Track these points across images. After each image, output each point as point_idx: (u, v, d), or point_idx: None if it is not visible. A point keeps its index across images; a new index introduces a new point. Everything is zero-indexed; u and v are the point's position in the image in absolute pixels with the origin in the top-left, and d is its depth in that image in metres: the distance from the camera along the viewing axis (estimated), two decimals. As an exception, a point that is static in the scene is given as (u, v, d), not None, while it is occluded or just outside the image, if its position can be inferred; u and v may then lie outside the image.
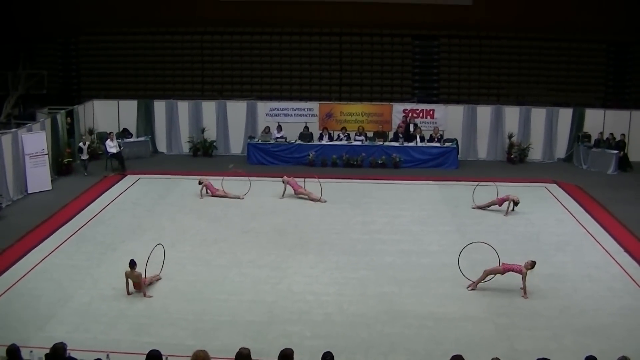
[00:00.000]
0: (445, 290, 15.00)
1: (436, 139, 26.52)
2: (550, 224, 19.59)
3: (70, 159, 24.56)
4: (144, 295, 14.53)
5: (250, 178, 22.44)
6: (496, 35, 30.04)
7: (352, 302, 14.45)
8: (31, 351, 10.49)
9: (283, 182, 21.85)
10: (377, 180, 23.95)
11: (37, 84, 30.30)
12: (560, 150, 27.79)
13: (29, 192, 22.17)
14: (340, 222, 19.57)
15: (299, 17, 30.03)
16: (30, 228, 18.65)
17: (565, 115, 27.57)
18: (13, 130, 22.86)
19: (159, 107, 28.40)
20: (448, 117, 27.85)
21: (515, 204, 20.31)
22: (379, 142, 26.52)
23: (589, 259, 16.97)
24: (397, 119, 27.87)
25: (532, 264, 14.82)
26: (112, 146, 25.14)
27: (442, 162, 26.09)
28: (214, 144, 28.02)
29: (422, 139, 26.50)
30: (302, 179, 22.03)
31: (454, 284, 15.25)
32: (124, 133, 27.65)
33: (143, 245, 17.23)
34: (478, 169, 25.73)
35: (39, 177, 22.51)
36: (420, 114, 27.91)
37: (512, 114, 27.76)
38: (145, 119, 28.33)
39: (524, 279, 14.69)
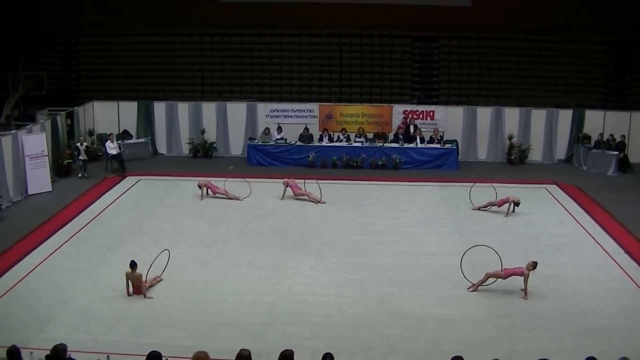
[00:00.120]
0: (445, 292, 14.99)
1: (436, 140, 26.53)
2: (550, 225, 19.59)
3: (71, 160, 24.57)
4: (144, 296, 14.52)
5: (250, 181, 22.43)
6: (496, 36, 30.06)
7: (352, 303, 14.44)
8: (31, 352, 10.49)
9: (284, 184, 21.85)
10: (377, 182, 23.95)
11: (37, 85, 30.29)
12: (560, 152, 27.81)
13: (29, 193, 22.17)
14: (340, 224, 19.57)
15: (298, 18, 30.05)
16: (30, 229, 18.64)
17: (565, 116, 27.59)
18: (13, 131, 22.84)
19: (159, 108, 28.42)
20: (448, 119, 27.86)
21: (516, 204, 20.32)
22: (379, 144, 26.53)
23: (589, 260, 16.96)
24: (397, 120, 27.88)
25: (534, 265, 14.81)
26: (112, 147, 25.13)
27: (442, 163, 26.10)
28: (214, 145, 28.03)
29: (422, 140, 26.51)
30: (302, 181, 22.02)
31: (454, 285, 15.24)
32: (124, 134, 27.66)
33: (143, 247, 17.30)
34: (478, 170, 25.73)
35: (39, 178, 22.51)
36: (420, 115, 27.92)
37: (512, 115, 27.79)
38: (145, 120, 28.34)
39: (526, 280, 14.68)
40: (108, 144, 25.23)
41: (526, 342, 12.69)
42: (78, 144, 24.47)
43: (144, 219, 19.95)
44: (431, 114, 28.02)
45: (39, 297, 14.42)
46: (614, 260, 16.90)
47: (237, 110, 28.29)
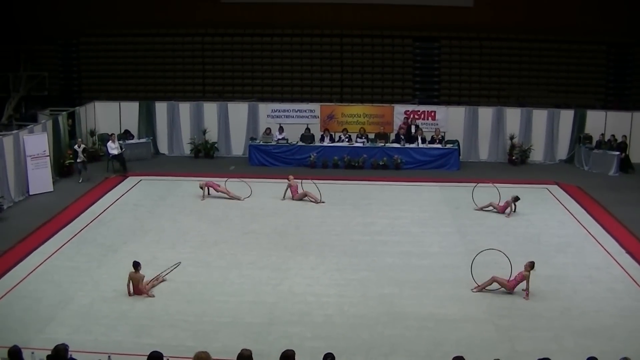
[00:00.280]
0: (445, 292, 14.99)
1: (437, 141, 26.52)
2: (552, 225, 19.58)
3: (72, 161, 24.50)
4: (147, 294, 14.54)
5: (251, 181, 22.44)
6: (497, 36, 30.05)
7: (353, 303, 14.45)
8: (32, 352, 10.49)
9: (289, 179, 21.77)
10: (378, 182, 23.95)
11: (38, 86, 30.32)
12: (562, 152, 27.80)
13: (31, 193, 22.19)
14: (341, 224, 19.58)
15: (299, 18, 30.05)
16: (31, 230, 18.65)
17: (566, 116, 27.57)
18: (14, 131, 22.88)
19: (161, 108, 28.42)
20: (449, 119, 27.85)
21: (515, 200, 20.28)
22: (380, 144, 26.52)
23: (590, 260, 16.96)
24: (398, 120, 27.87)
25: (532, 265, 14.83)
26: (113, 148, 25.13)
27: (444, 163, 26.10)
28: (216, 145, 28.04)
29: (424, 140, 26.50)
30: (299, 181, 21.99)
31: (455, 286, 15.25)
32: (126, 134, 27.67)
33: (144, 247, 17.34)
34: (479, 170, 25.72)
35: (41, 178, 22.52)
36: (422, 116, 27.91)
37: (513, 116, 27.77)
38: (147, 120, 28.35)
39: (527, 281, 14.70)
40: (109, 144, 25.23)
41: (527, 342, 12.69)
42: (76, 147, 24.23)
43: (145, 219, 19.96)
44: (432, 114, 28.01)
45: (40, 298, 14.44)
46: (615, 260, 16.89)
47: (238, 111, 28.30)
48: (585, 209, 20.98)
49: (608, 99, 29.83)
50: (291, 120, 28.06)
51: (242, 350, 9.42)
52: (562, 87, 29.72)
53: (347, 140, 26.82)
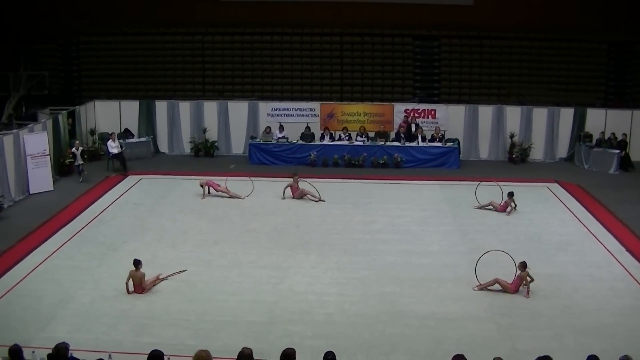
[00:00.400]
0: (446, 290, 14.99)
1: (437, 139, 26.53)
2: (552, 224, 19.57)
3: (72, 160, 24.48)
4: (149, 284, 14.69)
5: (252, 179, 22.43)
6: (497, 35, 30.02)
7: (354, 302, 14.45)
8: (33, 351, 10.49)
9: (294, 178, 21.78)
10: (378, 181, 23.95)
11: (38, 85, 30.33)
12: (562, 150, 27.79)
13: (31, 192, 22.19)
14: (342, 222, 19.57)
15: (299, 17, 30.04)
16: (31, 229, 18.65)
17: (566, 115, 27.57)
18: (15, 131, 22.87)
19: (161, 107, 28.42)
20: (449, 117, 27.85)
21: (510, 196, 20.27)
22: (380, 142, 26.52)
23: (590, 258, 16.95)
24: (398, 119, 27.87)
25: (523, 265, 14.82)
26: (113, 147, 25.12)
27: (444, 162, 26.09)
28: (216, 144, 28.04)
29: (424, 139, 26.51)
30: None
31: (455, 284, 15.25)
32: (126, 133, 27.67)
33: (144, 246, 17.35)
34: (479, 169, 25.73)
35: (41, 177, 22.52)
36: (422, 114, 27.92)
37: (513, 114, 27.76)
38: (147, 119, 28.35)
39: (526, 281, 14.70)
40: (110, 143, 25.22)
41: (527, 341, 12.69)
42: (74, 149, 24.02)
43: (146, 218, 19.96)
44: (432, 112, 28.01)
45: (40, 297, 14.44)
46: (616, 259, 16.88)
47: (238, 109, 28.30)
48: (585, 208, 20.97)
49: (608, 98, 29.82)
50: (291, 118, 28.06)
51: (243, 349, 9.42)
52: (563, 85, 29.70)
53: (347, 138, 26.82)
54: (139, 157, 26.90)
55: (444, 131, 27.22)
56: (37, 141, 22.65)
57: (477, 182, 21.71)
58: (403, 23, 29.92)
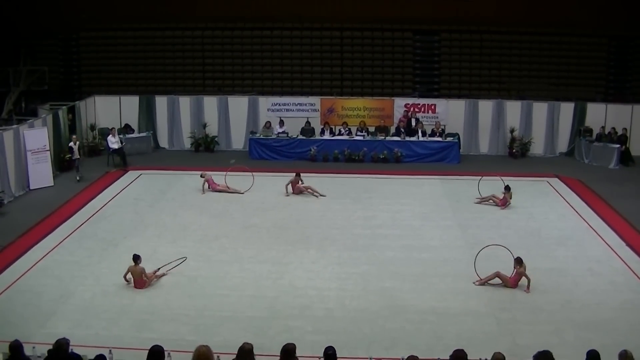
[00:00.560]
0: (446, 285, 15.01)
1: (438, 134, 26.52)
2: (552, 219, 19.58)
3: (70, 155, 24.34)
4: (151, 276, 14.77)
5: (253, 174, 22.44)
6: (497, 29, 29.97)
7: (354, 297, 14.47)
8: (34, 347, 10.50)
9: (300, 179, 21.71)
10: (378, 175, 23.95)
11: (38, 80, 30.32)
12: (562, 145, 27.80)
13: (31, 188, 22.20)
14: (342, 217, 19.58)
15: (299, 12, 29.97)
16: (32, 224, 18.67)
17: (566, 109, 27.56)
18: (15, 126, 22.87)
19: (161, 102, 28.42)
20: (449, 112, 27.84)
21: (507, 190, 20.27)
22: (380, 137, 26.52)
23: (590, 253, 16.97)
24: (398, 113, 27.87)
25: (519, 261, 14.82)
26: (113, 142, 25.13)
27: (444, 156, 26.10)
28: (216, 139, 28.04)
29: (424, 133, 26.51)
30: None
31: (456, 279, 15.26)
32: (126, 129, 27.68)
33: (145, 241, 17.36)
34: (480, 163, 25.72)
35: (41, 173, 22.52)
36: (422, 109, 27.91)
37: (513, 109, 27.76)
38: (147, 114, 28.35)
39: (525, 276, 14.71)
40: (110, 138, 25.22)
41: (528, 336, 12.70)
42: (71, 144, 23.77)
43: (146, 213, 19.97)
44: (432, 107, 28.00)
45: (40, 292, 14.46)
46: (616, 253, 16.90)
47: (238, 104, 28.30)
48: (585, 202, 20.97)
49: (608, 92, 29.77)
50: (291, 113, 28.06)
51: (243, 344, 9.42)
52: (563, 80, 29.65)
53: (347, 133, 26.82)
54: (139, 152, 26.91)
55: (444, 126, 27.23)
56: (37, 137, 22.64)
57: (479, 177, 21.68)
58: (403, 18, 29.87)
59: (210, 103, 28.34)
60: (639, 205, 20.45)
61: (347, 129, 26.95)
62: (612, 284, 15.13)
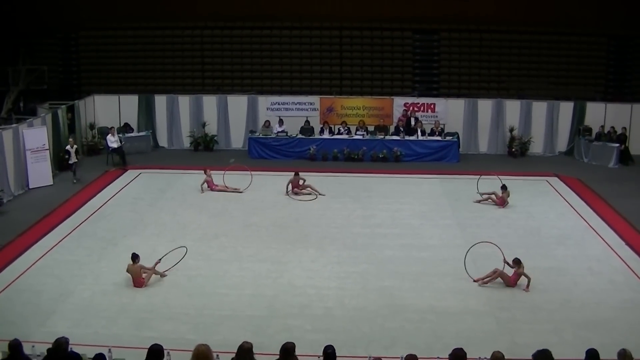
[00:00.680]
0: (446, 284, 15.01)
1: (437, 133, 26.53)
2: (552, 218, 19.58)
3: (66, 157, 24.14)
4: (150, 271, 14.82)
5: (252, 173, 22.43)
6: (497, 29, 29.95)
7: (353, 296, 14.47)
8: (33, 346, 10.50)
9: (301, 178, 21.69)
10: (378, 174, 23.96)
11: (38, 79, 30.24)
12: (562, 144, 27.81)
13: (30, 187, 22.19)
14: (341, 216, 19.58)
15: (299, 11, 29.96)
16: (31, 223, 18.66)
17: (566, 108, 27.57)
18: (14, 125, 22.85)
19: (160, 101, 28.42)
20: (449, 111, 27.85)
21: (504, 189, 20.28)
22: (379, 136, 26.51)
23: (590, 252, 16.97)
24: (398, 112, 27.86)
25: (517, 262, 14.82)
26: (113, 141, 25.11)
27: (443, 155, 26.10)
28: (215, 138, 28.04)
29: (423, 132, 26.51)
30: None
31: (455, 278, 15.25)
32: (125, 128, 27.68)
33: (144, 240, 17.35)
34: (479, 162, 25.72)
35: (40, 172, 22.51)
36: (421, 108, 27.91)
37: (513, 108, 27.77)
38: (146, 113, 28.34)
39: (525, 276, 14.71)
40: (109, 137, 25.20)
41: (527, 335, 12.71)
42: (68, 147, 23.45)
43: (145, 212, 19.97)
44: (432, 106, 28.00)
45: (40, 291, 14.46)
46: (615, 252, 16.90)
47: (238, 103, 28.29)
48: (585, 201, 20.98)
49: (608, 91, 29.77)
50: (291, 112, 28.05)
51: (243, 343, 9.42)
52: (562, 79, 29.65)
53: (346, 132, 26.81)
54: (139, 151, 26.90)
55: (444, 125, 27.23)
56: (36, 136, 22.63)
57: (478, 176, 21.69)
58: (402, 17, 29.85)
59: (210, 102, 28.34)
60: (639, 204, 20.45)
61: (346, 128, 26.94)
62: (612, 283, 15.14)
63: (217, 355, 9.82)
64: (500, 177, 21.47)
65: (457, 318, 13.45)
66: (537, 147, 27.60)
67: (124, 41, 30.76)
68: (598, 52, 29.79)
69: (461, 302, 14.16)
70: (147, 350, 9.14)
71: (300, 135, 26.83)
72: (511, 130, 27.44)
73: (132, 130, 27.79)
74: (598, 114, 27.22)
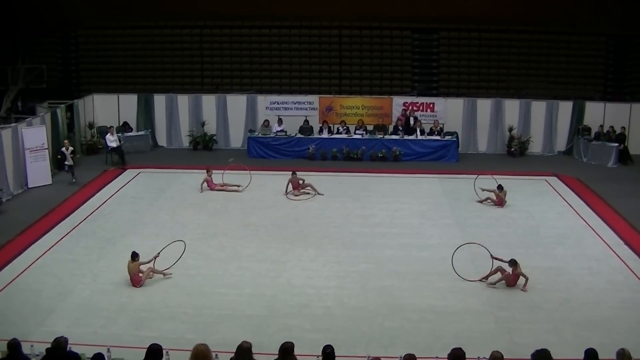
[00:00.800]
0: (445, 284, 15.00)
1: (436, 132, 26.52)
2: (551, 217, 19.58)
3: (61, 158, 24.08)
4: (164, 275, 14.93)
5: (251, 172, 22.42)
6: (496, 28, 29.94)
7: (352, 295, 14.46)
8: (32, 345, 10.49)
9: (301, 179, 21.65)
10: (377, 174, 23.95)
11: (37, 78, 30.24)
12: (561, 143, 27.80)
13: (29, 186, 22.17)
14: (341, 216, 19.58)
15: (298, 10, 29.94)
16: (30, 222, 18.65)
17: (565, 108, 27.57)
18: (13, 124, 22.82)
19: (159, 100, 28.41)
20: (448, 111, 27.84)
21: (500, 189, 20.29)
22: (379, 136, 26.51)
23: (589, 252, 16.97)
24: (397, 112, 27.86)
25: (513, 263, 14.82)
26: (112, 140, 25.10)
27: (442, 155, 26.09)
28: (214, 137, 28.02)
29: (422, 132, 26.50)
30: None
31: (454, 278, 15.23)
32: (124, 127, 27.65)
33: (143, 240, 17.32)
34: (478, 162, 25.71)
35: (39, 171, 22.49)
36: (421, 107, 27.91)
37: (512, 107, 27.77)
38: (145, 112, 28.32)
39: (523, 276, 14.73)
40: (108, 136, 25.19)
41: (526, 334, 12.71)
42: (63, 149, 23.10)
43: (144, 211, 19.96)
44: (431, 105, 28.00)
45: (39, 291, 14.45)
46: (615, 252, 16.90)
47: (237, 103, 28.28)
48: (584, 201, 20.98)
49: (607, 91, 29.77)
50: (290, 112, 28.05)
51: (242, 342, 9.42)
52: (561, 78, 29.65)
53: (345, 132, 26.81)
54: (138, 150, 26.88)
55: (443, 124, 27.21)
56: (35, 135, 22.60)
57: (475, 176, 21.70)
58: (402, 16, 29.82)
59: (209, 101, 28.32)
60: (638, 203, 20.46)
61: (345, 127, 26.94)
62: (611, 283, 15.13)
63: (216, 355, 9.81)
64: (497, 177, 21.43)
65: (456, 318, 13.45)
66: (536, 146, 27.60)
67: (123, 40, 30.74)
68: (597, 52, 29.79)
69: (460, 302, 14.16)
70: (146, 349, 9.14)
71: (299, 135, 26.82)
72: (510, 129, 27.44)
73: (131, 129, 27.77)
74: (597, 113, 27.23)
